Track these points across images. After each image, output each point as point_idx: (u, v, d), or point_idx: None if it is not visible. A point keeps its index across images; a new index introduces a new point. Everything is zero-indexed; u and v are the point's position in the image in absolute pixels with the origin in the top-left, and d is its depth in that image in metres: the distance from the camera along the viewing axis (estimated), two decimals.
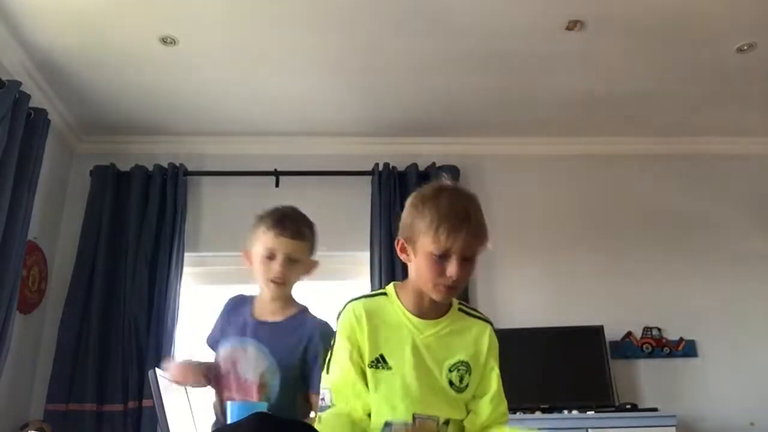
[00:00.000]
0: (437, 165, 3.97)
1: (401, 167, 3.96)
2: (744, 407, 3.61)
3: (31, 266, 3.41)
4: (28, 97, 3.17)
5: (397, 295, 1.54)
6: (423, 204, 1.47)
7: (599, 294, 3.82)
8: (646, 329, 3.77)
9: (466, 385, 1.50)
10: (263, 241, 1.92)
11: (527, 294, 3.82)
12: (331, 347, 1.54)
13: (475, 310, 1.63)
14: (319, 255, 3.80)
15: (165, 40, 3.12)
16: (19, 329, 3.21)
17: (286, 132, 3.98)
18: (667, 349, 3.74)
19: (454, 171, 3.97)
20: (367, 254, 3.76)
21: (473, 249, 1.46)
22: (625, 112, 3.88)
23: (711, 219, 4.05)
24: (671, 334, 3.78)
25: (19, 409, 3.30)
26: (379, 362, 1.48)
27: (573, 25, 3.07)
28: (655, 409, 3.33)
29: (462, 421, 1.52)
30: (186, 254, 3.74)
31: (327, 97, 3.67)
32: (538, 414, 3.21)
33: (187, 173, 3.90)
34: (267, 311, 1.92)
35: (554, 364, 3.50)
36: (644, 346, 3.74)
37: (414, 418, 1.46)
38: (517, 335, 3.52)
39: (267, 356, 1.81)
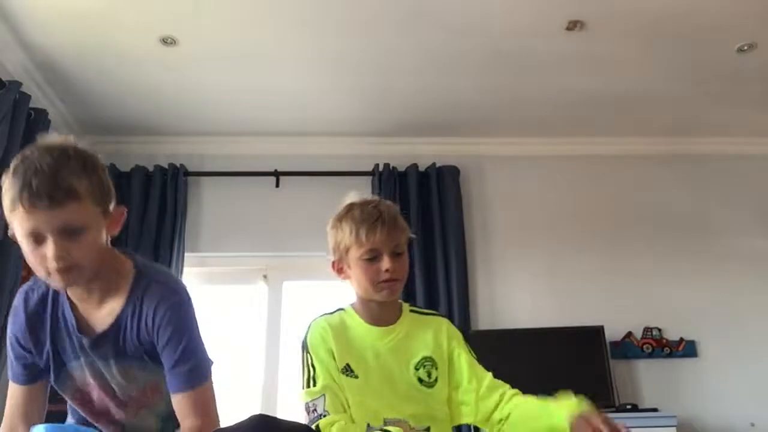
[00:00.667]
0: (437, 165, 3.97)
1: (401, 167, 3.95)
2: (744, 407, 3.61)
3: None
4: (29, 97, 3.17)
5: (354, 310, 1.64)
6: (340, 222, 1.61)
7: (599, 294, 3.82)
8: (647, 329, 3.77)
9: (435, 379, 1.58)
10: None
11: (527, 294, 3.82)
12: (306, 365, 1.56)
13: (428, 310, 1.75)
14: (319, 255, 3.80)
15: (165, 41, 3.12)
16: None
17: (286, 132, 3.98)
18: (667, 350, 3.74)
19: (454, 171, 3.97)
20: None
21: (396, 240, 1.56)
22: (625, 112, 3.88)
23: (711, 219, 4.04)
24: (672, 335, 3.78)
25: None
26: (348, 370, 1.55)
27: (573, 26, 3.07)
28: (655, 410, 3.33)
29: (445, 423, 1.58)
30: (186, 254, 3.74)
31: (327, 97, 3.67)
32: None
33: (187, 174, 3.90)
34: (91, 313, 1.44)
35: (554, 364, 3.50)
36: (645, 347, 3.73)
37: (384, 422, 1.51)
38: (517, 336, 3.52)
39: (128, 361, 1.45)
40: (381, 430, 1.47)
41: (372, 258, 1.55)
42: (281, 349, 3.75)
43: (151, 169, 3.85)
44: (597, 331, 3.62)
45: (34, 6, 2.87)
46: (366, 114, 3.84)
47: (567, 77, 3.51)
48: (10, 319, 1.46)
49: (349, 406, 1.51)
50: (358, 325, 1.62)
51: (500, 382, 1.59)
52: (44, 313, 1.43)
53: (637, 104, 3.79)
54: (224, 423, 1.48)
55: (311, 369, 1.55)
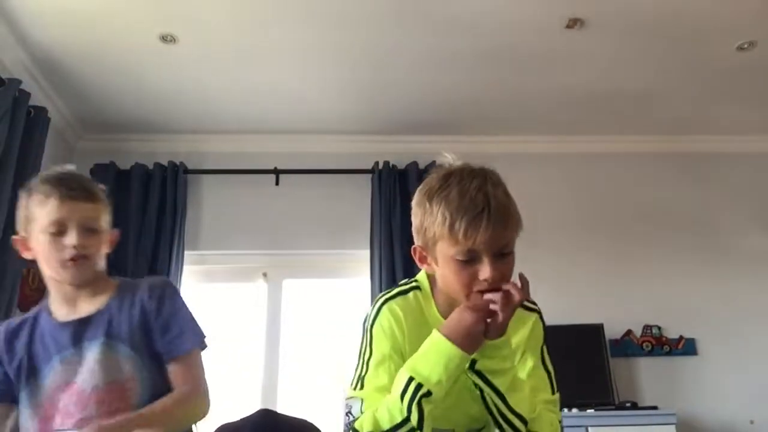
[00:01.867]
0: (437, 163, 3.96)
1: (401, 165, 3.95)
2: (744, 405, 3.62)
3: (31, 264, 3.40)
4: (28, 95, 3.17)
5: (432, 291, 1.31)
6: (430, 200, 1.20)
7: (599, 292, 3.82)
8: (646, 327, 3.77)
9: None
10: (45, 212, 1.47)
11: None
12: (362, 356, 1.29)
13: (529, 301, 1.40)
14: (318, 253, 3.83)
15: (165, 38, 3.12)
16: None
17: (286, 130, 3.98)
18: (667, 348, 3.74)
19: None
20: (367, 252, 3.75)
21: (503, 240, 1.18)
22: (625, 110, 3.88)
23: (711, 217, 4.04)
24: (671, 333, 3.78)
25: None
26: None
27: (573, 24, 3.07)
28: (655, 407, 3.33)
29: None
30: (186, 252, 3.74)
31: (327, 94, 3.67)
32: None
33: (187, 171, 3.90)
34: (75, 306, 1.52)
35: (554, 362, 3.50)
36: (644, 345, 3.74)
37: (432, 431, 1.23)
38: None
39: (110, 346, 1.46)
40: None
41: (468, 260, 1.16)
42: (281, 346, 3.75)
43: (150, 166, 3.85)
44: (597, 329, 3.62)
45: (34, 4, 2.87)
46: (366, 112, 3.84)
47: (567, 75, 3.51)
48: None
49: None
50: (436, 318, 1.27)
51: (544, 409, 1.32)
52: (22, 331, 1.52)
53: (638, 102, 3.79)
54: (224, 420, 1.49)
55: (364, 367, 1.26)
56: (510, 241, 1.21)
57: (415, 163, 3.95)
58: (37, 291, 3.51)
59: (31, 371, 1.48)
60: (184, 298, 1.59)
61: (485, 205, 1.15)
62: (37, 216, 1.47)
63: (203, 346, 1.54)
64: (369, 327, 1.29)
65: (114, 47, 3.19)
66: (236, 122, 3.90)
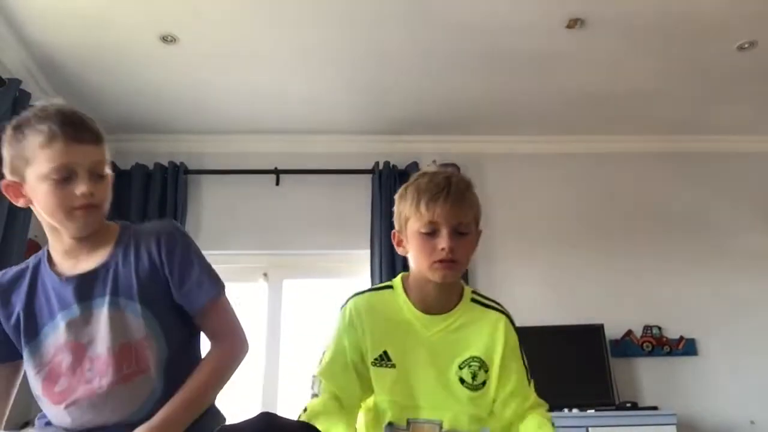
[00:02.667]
0: (438, 163, 3.96)
1: (402, 165, 3.95)
2: (744, 405, 3.62)
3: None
4: (29, 95, 3.17)
5: (404, 288, 1.47)
6: (405, 189, 1.45)
7: (599, 292, 3.82)
8: (647, 328, 3.77)
9: (483, 383, 1.42)
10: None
11: (527, 292, 3.82)
12: (331, 339, 1.46)
13: (491, 301, 1.53)
14: (319, 253, 3.82)
15: (165, 39, 3.12)
16: None
17: (286, 130, 3.98)
18: (667, 348, 3.74)
19: (454, 169, 3.97)
20: (368, 252, 3.75)
21: (459, 218, 1.38)
22: (625, 110, 3.88)
23: (712, 217, 4.04)
24: (671, 333, 3.78)
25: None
26: (383, 359, 1.41)
27: (573, 23, 3.07)
28: (655, 408, 3.33)
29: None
30: None
31: (327, 95, 3.67)
32: None
33: (187, 172, 3.90)
34: (77, 259, 1.40)
35: (554, 362, 3.49)
36: (644, 345, 3.74)
37: (408, 423, 1.41)
38: (517, 333, 3.50)
39: (119, 305, 1.36)
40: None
41: (430, 232, 1.37)
42: (281, 347, 3.75)
43: (151, 167, 3.85)
44: (597, 330, 3.62)
45: (34, 4, 2.87)
46: (366, 112, 3.84)
47: (567, 75, 3.51)
48: None
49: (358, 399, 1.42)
50: (406, 309, 1.44)
51: (538, 407, 1.45)
52: (20, 283, 1.40)
53: (638, 102, 3.79)
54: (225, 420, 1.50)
55: (327, 353, 1.44)
56: (467, 221, 1.40)
57: (415, 164, 3.95)
58: None
59: (32, 328, 1.37)
60: (195, 243, 1.47)
61: (446, 186, 1.38)
62: (37, 159, 1.28)
63: (226, 294, 1.46)
64: (339, 315, 1.47)
65: (114, 47, 3.19)
66: (237, 122, 3.90)
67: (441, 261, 1.36)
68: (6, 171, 1.34)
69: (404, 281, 1.48)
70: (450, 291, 1.46)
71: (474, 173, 4.06)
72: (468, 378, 1.42)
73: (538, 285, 3.86)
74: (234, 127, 3.94)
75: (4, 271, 1.44)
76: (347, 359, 1.42)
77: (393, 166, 3.93)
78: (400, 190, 1.47)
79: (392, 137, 4.03)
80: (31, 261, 1.43)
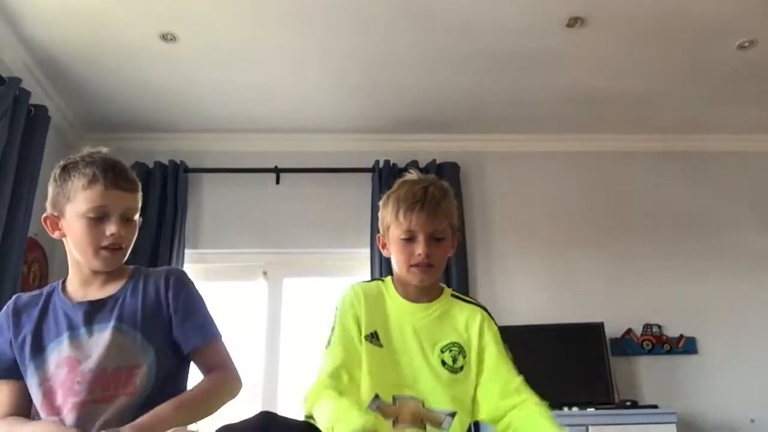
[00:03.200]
0: (438, 162, 3.97)
1: (402, 164, 3.95)
2: (744, 404, 3.62)
3: (31, 263, 3.42)
4: (29, 93, 3.17)
5: (393, 282, 1.63)
6: (387, 198, 1.60)
7: (599, 291, 3.82)
8: (647, 326, 3.77)
9: (461, 367, 1.54)
10: None
11: (528, 291, 3.83)
12: (333, 325, 1.57)
13: (470, 298, 1.69)
14: (319, 252, 3.82)
15: (165, 37, 3.11)
16: None
17: (286, 129, 3.98)
18: (667, 346, 3.74)
19: (454, 168, 3.97)
20: (368, 251, 3.75)
21: (434, 225, 1.52)
22: (625, 109, 3.88)
23: (712, 216, 4.04)
24: (671, 331, 3.78)
25: None
26: (374, 337, 1.53)
27: (573, 22, 3.07)
28: (655, 406, 3.33)
29: (468, 415, 1.54)
30: (186, 251, 3.74)
31: (327, 93, 3.67)
32: None
33: (187, 170, 3.90)
34: (89, 289, 1.52)
35: (554, 361, 3.50)
36: (644, 343, 3.74)
37: (394, 399, 1.50)
38: (517, 332, 3.50)
39: (122, 330, 1.45)
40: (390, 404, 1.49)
41: (409, 239, 1.53)
42: (281, 345, 3.75)
43: (151, 165, 3.85)
44: (597, 328, 3.62)
45: (34, 2, 2.87)
46: (366, 111, 3.84)
47: (567, 74, 3.51)
48: None
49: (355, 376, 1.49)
50: (394, 298, 1.60)
51: (527, 388, 1.52)
52: (33, 306, 1.52)
53: (638, 101, 3.79)
54: (225, 421, 1.50)
55: (332, 331, 1.55)
56: (441, 228, 1.54)
57: (415, 162, 3.95)
58: (38, 290, 3.51)
59: (37, 346, 1.46)
60: (196, 289, 1.59)
61: (422, 197, 1.53)
62: (77, 198, 1.45)
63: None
64: (337, 305, 1.59)
65: (114, 46, 3.18)
66: (237, 121, 3.90)
67: (418, 265, 1.52)
68: (48, 205, 1.51)
69: (393, 278, 1.65)
70: (429, 289, 1.61)
71: (474, 172, 4.07)
72: (449, 361, 1.54)
73: (538, 284, 3.86)
74: (234, 126, 3.94)
75: (18, 294, 1.56)
76: (352, 334, 1.53)
77: (393, 164, 3.93)
78: (383, 198, 1.62)
79: (392, 136, 4.02)
80: (46, 289, 1.56)
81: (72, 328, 1.46)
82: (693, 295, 3.84)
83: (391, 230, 1.57)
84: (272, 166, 3.97)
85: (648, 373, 3.70)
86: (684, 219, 4.03)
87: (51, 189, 1.51)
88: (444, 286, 1.67)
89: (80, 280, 1.52)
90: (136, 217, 1.54)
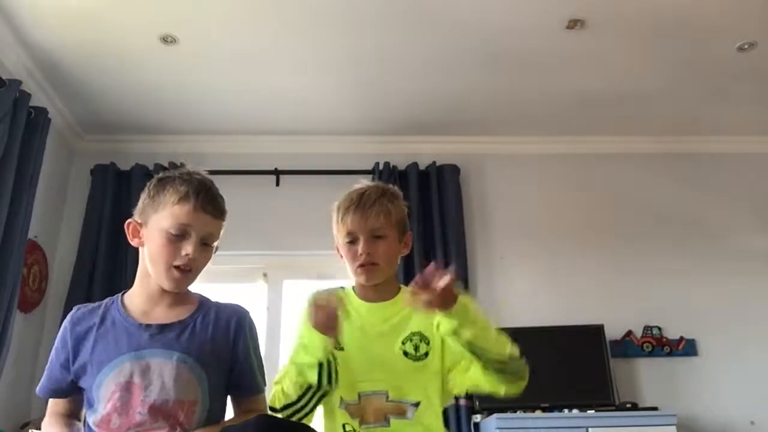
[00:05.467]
0: (437, 164, 3.97)
1: (402, 166, 3.95)
2: (744, 406, 3.61)
3: (31, 265, 3.42)
4: (29, 96, 3.18)
5: (353, 287, 1.70)
6: (336, 207, 1.69)
7: (599, 293, 3.82)
8: (647, 328, 3.77)
9: (425, 353, 1.56)
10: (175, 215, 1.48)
11: (527, 292, 3.82)
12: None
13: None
14: (319, 254, 3.80)
15: (165, 39, 3.12)
16: (20, 328, 3.21)
17: (286, 131, 3.98)
18: (667, 348, 3.74)
19: (454, 170, 3.97)
20: None
21: (372, 224, 1.58)
22: (625, 111, 3.88)
23: (711, 218, 4.04)
24: (672, 333, 3.78)
25: (20, 407, 3.30)
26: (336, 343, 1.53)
27: (573, 24, 3.07)
28: (655, 408, 3.33)
29: (436, 401, 1.56)
30: None
31: (327, 95, 3.67)
32: (538, 413, 3.22)
33: None
34: (156, 309, 1.51)
35: (554, 363, 3.50)
36: (645, 345, 3.73)
37: (359, 396, 1.54)
38: (517, 334, 3.49)
39: (188, 364, 1.44)
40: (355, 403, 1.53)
41: (351, 241, 1.59)
42: (281, 347, 3.75)
43: (151, 167, 3.84)
44: (597, 330, 3.61)
45: (34, 4, 2.87)
46: (366, 112, 3.84)
47: (567, 76, 3.51)
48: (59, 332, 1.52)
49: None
50: (353, 301, 1.64)
51: None
52: (92, 321, 1.49)
53: (638, 103, 3.79)
54: (225, 423, 1.49)
55: (295, 339, 1.57)
56: (379, 226, 1.57)
57: (415, 164, 3.95)
58: (38, 292, 3.51)
59: (96, 363, 1.43)
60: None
61: (358, 198, 1.59)
62: (165, 211, 1.47)
63: None
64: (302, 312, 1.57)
65: (115, 48, 3.19)
66: (237, 123, 3.90)
67: (362, 265, 1.58)
68: (136, 212, 1.54)
69: (353, 285, 1.70)
70: (386, 289, 1.65)
71: (474, 174, 4.07)
72: (411, 350, 1.57)
73: (537, 285, 3.86)
74: (234, 128, 3.94)
75: (78, 306, 1.55)
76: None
77: (393, 166, 3.93)
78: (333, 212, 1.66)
79: (392, 138, 4.02)
80: (105, 302, 1.54)
81: (133, 349, 1.43)
82: (693, 297, 3.84)
83: (338, 237, 1.63)
84: (272, 168, 3.97)
85: (648, 375, 3.70)
86: (683, 221, 4.03)
87: (142, 197, 1.54)
88: (402, 286, 1.69)
89: (146, 295, 1.51)
90: (215, 243, 1.54)
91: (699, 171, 4.16)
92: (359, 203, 1.58)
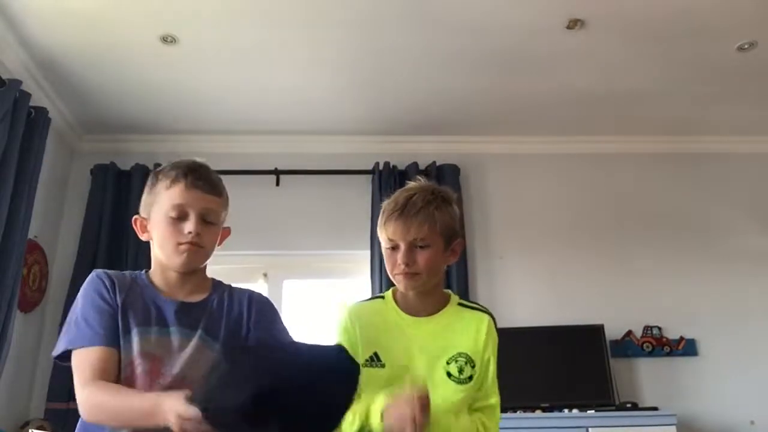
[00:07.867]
0: (438, 164, 3.97)
1: (402, 166, 3.96)
2: (744, 406, 3.62)
3: (31, 265, 3.42)
4: (29, 95, 3.18)
5: (394, 297, 1.60)
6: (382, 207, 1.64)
7: (599, 293, 3.82)
8: (647, 328, 3.77)
9: (469, 377, 1.50)
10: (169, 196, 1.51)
11: (527, 293, 3.82)
12: None
13: (475, 303, 1.66)
14: (319, 254, 3.81)
15: (165, 39, 3.12)
16: (20, 327, 3.21)
17: (286, 131, 3.98)
18: (667, 348, 3.74)
19: (454, 170, 3.97)
20: (368, 253, 3.75)
21: (412, 234, 1.50)
22: (625, 110, 3.88)
23: (711, 217, 4.04)
24: (672, 333, 3.78)
25: (20, 407, 3.30)
26: (373, 360, 1.50)
27: (573, 24, 3.07)
28: (655, 408, 3.33)
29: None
30: None
31: (327, 95, 3.67)
32: (538, 413, 3.21)
33: None
34: (177, 292, 1.52)
35: (554, 363, 3.50)
36: (645, 345, 3.74)
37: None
38: (517, 334, 3.52)
39: (207, 342, 1.46)
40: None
41: (392, 248, 1.52)
42: None
43: (151, 167, 3.85)
44: (597, 330, 3.62)
45: (34, 4, 2.87)
46: (366, 112, 3.84)
47: (567, 75, 3.51)
48: (85, 287, 1.50)
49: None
50: (394, 313, 1.57)
51: (493, 413, 1.54)
52: (123, 282, 1.51)
53: (638, 102, 3.79)
54: None
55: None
56: (421, 235, 1.49)
57: (415, 164, 3.95)
58: (38, 291, 3.52)
59: (125, 323, 1.43)
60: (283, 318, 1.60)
61: (403, 206, 1.52)
62: (162, 199, 1.51)
63: None
64: (336, 329, 1.58)
65: (115, 48, 3.19)
66: (237, 123, 3.90)
67: (400, 273, 1.51)
68: (140, 208, 1.57)
69: (394, 292, 1.62)
70: (432, 298, 1.58)
71: (474, 174, 4.07)
72: (455, 372, 1.50)
73: (538, 285, 3.86)
74: (234, 128, 3.94)
75: (105, 270, 1.57)
76: None
77: (393, 166, 3.93)
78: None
79: (392, 138, 4.03)
80: (130, 274, 1.56)
81: (161, 323, 1.45)
82: (693, 297, 3.84)
83: (381, 240, 1.57)
84: (272, 168, 3.97)
85: (648, 375, 3.70)
86: (684, 220, 4.03)
87: (144, 194, 1.58)
88: (450, 293, 1.62)
89: (165, 282, 1.53)
90: (219, 219, 1.56)
91: (699, 170, 4.16)
92: (403, 210, 1.51)
